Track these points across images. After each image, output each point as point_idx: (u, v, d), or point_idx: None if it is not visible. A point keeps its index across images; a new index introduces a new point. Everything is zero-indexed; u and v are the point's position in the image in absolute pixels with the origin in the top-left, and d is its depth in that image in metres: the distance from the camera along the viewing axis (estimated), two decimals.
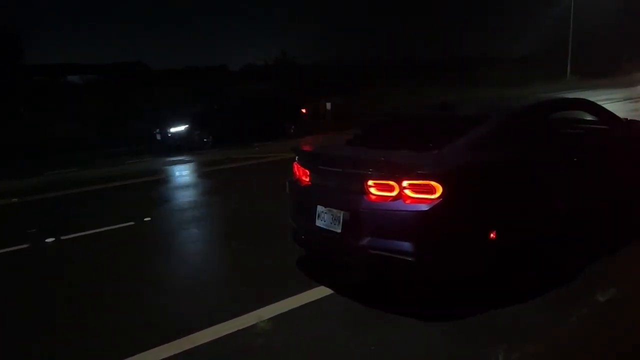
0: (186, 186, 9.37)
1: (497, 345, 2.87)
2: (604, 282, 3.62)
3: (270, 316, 3.57)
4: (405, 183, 3.32)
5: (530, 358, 2.81)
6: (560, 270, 3.81)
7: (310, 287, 3.99)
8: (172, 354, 3.16)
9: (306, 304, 3.75)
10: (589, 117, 4.92)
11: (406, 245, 3.31)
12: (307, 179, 4.10)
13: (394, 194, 3.37)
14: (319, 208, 3.82)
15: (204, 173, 10.69)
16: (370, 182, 3.46)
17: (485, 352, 2.86)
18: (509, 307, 3.39)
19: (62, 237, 5.98)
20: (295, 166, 4.25)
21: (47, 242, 5.86)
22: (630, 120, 4.64)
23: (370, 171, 3.47)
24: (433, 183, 3.25)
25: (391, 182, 3.37)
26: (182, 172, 10.97)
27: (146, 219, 6.60)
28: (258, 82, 28.62)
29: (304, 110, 17.53)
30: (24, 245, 5.77)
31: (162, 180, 10.09)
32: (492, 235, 3.40)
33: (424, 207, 3.25)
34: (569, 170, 3.95)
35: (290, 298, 3.82)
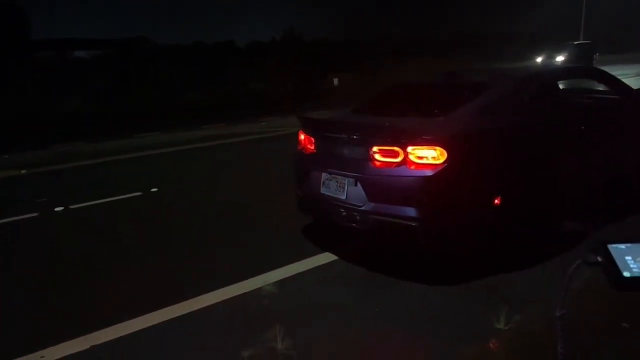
0: None
1: (499, 308, 2.90)
2: None
3: (275, 280, 3.63)
4: (409, 149, 3.32)
5: (532, 319, 2.84)
6: (566, 238, 3.82)
7: (315, 253, 4.04)
8: (177, 314, 3.23)
9: (311, 269, 3.81)
10: (601, 88, 4.87)
11: (410, 211, 3.32)
12: (312, 147, 4.10)
13: (398, 160, 3.37)
14: (324, 175, 3.84)
15: None
16: (375, 149, 3.46)
17: (487, 314, 2.89)
18: (512, 273, 3.43)
19: (71, 207, 6.06)
20: (301, 134, 4.26)
21: (56, 210, 5.95)
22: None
23: (375, 137, 3.47)
24: (438, 148, 3.25)
25: (396, 148, 3.37)
26: None
27: (153, 190, 6.67)
28: (265, 58, 28.37)
29: None
30: (34, 214, 5.85)
31: None
32: (496, 201, 3.41)
33: (429, 172, 3.26)
34: (577, 139, 3.93)
35: (295, 263, 3.88)
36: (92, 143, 11.91)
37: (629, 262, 1.16)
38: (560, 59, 24.78)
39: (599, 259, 1.18)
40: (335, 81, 22.45)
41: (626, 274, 1.14)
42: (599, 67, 4.69)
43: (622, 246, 1.19)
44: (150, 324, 3.13)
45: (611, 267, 1.15)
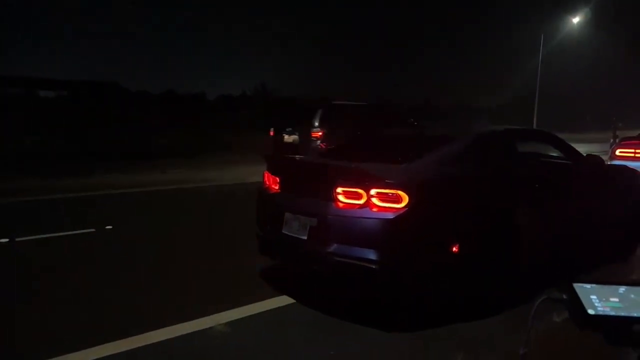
0: None
1: (455, 353, 2.87)
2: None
3: (228, 320, 3.49)
4: (373, 191, 3.35)
5: None
6: (519, 288, 3.86)
7: (272, 295, 3.94)
8: (121, 350, 3.04)
9: (266, 311, 3.69)
10: (554, 154, 5.14)
11: (370, 253, 3.31)
12: (277, 187, 4.10)
13: (361, 201, 3.40)
14: (287, 215, 3.81)
15: None
16: (339, 190, 3.48)
17: (444, 358, 2.85)
18: (471, 318, 3.42)
19: (17, 239, 5.75)
20: (266, 174, 4.25)
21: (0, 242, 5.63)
22: (589, 155, 4.86)
23: (339, 178, 3.51)
24: (400, 192, 3.29)
25: (359, 190, 3.40)
26: None
27: (107, 227, 6.43)
28: (236, 111, 28.84)
29: None
30: None
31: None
32: (454, 248, 3.44)
33: (390, 215, 3.29)
34: (532, 195, 4.07)
35: (250, 305, 3.75)
36: (48, 180, 11.50)
37: (594, 300, 1.16)
38: None
39: (564, 296, 1.19)
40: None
41: (591, 311, 1.14)
42: (553, 133, 4.95)
43: (588, 286, 1.20)
44: (92, 358, 2.92)
45: (576, 305, 1.15)
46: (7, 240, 5.69)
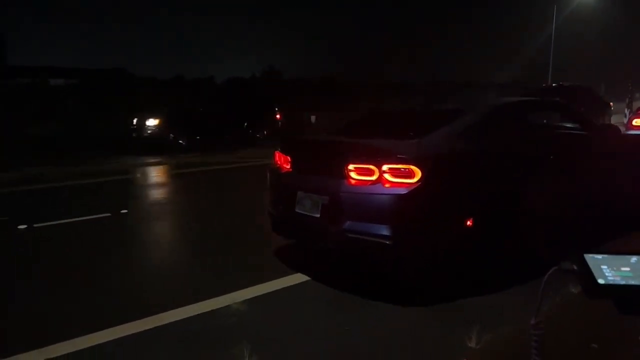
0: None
1: (470, 327, 2.87)
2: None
3: (245, 298, 3.53)
4: (385, 167, 3.34)
5: (502, 339, 2.81)
6: (536, 261, 3.84)
7: (287, 273, 3.97)
8: (140, 329, 3.09)
9: (282, 289, 3.72)
10: (569, 125, 5.06)
11: (383, 229, 3.31)
12: (288, 166, 4.09)
13: (373, 178, 3.38)
14: (299, 194, 3.81)
15: None
16: (350, 167, 3.47)
17: (459, 332, 2.86)
18: (484, 293, 3.42)
19: (35, 225, 5.84)
20: (277, 154, 4.25)
21: (19, 228, 5.73)
22: (604, 124, 4.77)
23: (350, 155, 3.50)
24: (413, 167, 3.27)
25: (371, 166, 3.39)
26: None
27: (123, 211, 6.50)
28: (245, 93, 28.62)
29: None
30: None
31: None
32: (468, 222, 3.43)
33: (403, 191, 3.27)
34: (545, 166, 4.02)
35: (266, 283, 3.79)
36: (62, 167, 11.64)
37: (604, 270, 1.15)
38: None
39: (575, 267, 1.18)
40: (313, 118, 22.71)
41: (601, 281, 1.13)
42: (567, 103, 4.87)
43: (599, 256, 1.19)
44: (110, 338, 2.98)
45: (586, 275, 1.15)
46: (25, 226, 5.79)
